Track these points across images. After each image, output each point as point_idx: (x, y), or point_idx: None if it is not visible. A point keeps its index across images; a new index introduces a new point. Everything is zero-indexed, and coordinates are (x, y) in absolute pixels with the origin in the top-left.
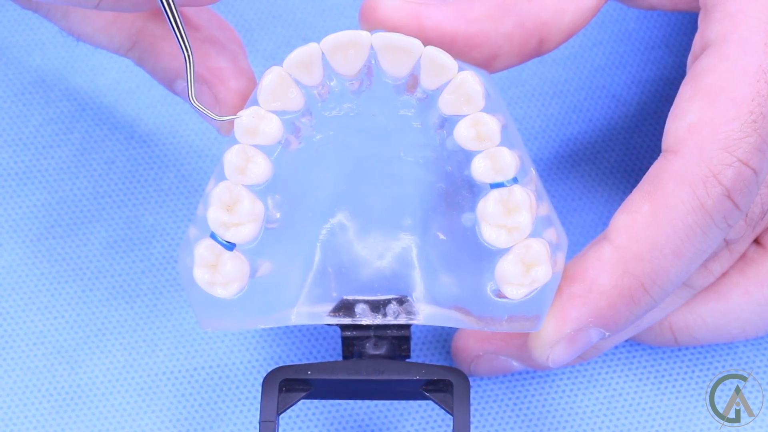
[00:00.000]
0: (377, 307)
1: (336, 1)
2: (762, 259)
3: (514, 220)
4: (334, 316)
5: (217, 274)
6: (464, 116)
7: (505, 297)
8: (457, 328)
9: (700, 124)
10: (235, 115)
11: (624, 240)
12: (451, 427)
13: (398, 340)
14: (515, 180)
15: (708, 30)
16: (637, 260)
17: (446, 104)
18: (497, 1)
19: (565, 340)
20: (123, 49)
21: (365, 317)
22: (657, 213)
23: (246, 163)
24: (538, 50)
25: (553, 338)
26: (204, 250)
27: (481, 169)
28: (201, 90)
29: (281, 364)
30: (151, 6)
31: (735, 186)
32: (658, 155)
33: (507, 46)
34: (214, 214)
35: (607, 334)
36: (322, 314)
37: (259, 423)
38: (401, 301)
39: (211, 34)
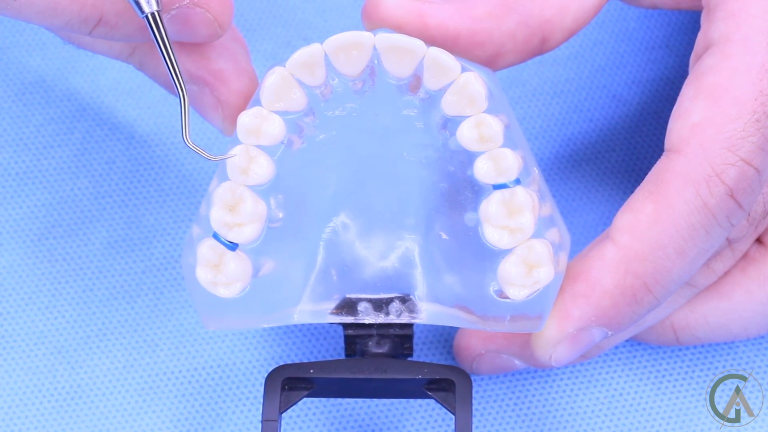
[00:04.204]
0: (380, 305)
1: (337, 1)
2: (764, 258)
3: (517, 221)
4: (337, 314)
5: (220, 274)
6: (467, 117)
7: (508, 297)
8: (459, 327)
9: (703, 124)
10: (235, 119)
11: (627, 239)
12: (453, 426)
13: (401, 338)
14: (518, 181)
15: (711, 29)
16: (640, 260)
17: (449, 105)
18: None
19: (567, 339)
20: (123, 55)
21: (368, 316)
22: (660, 212)
23: (249, 163)
24: (540, 48)
25: (555, 338)
26: (207, 250)
27: (483, 171)
28: (203, 92)
29: (283, 363)
30: (144, 38)
31: (738, 185)
32: (660, 155)
33: (510, 44)
34: (217, 215)
35: (610, 333)
36: (324, 313)
37: (262, 422)
38: (404, 300)
39: None
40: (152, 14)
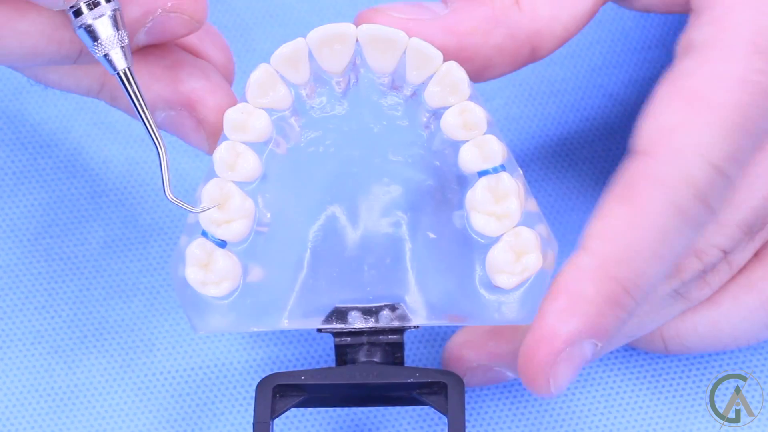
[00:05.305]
0: (369, 313)
1: (333, 1)
2: (754, 266)
3: (503, 207)
4: (327, 322)
5: (210, 272)
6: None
7: (497, 288)
8: (449, 338)
9: (676, 128)
10: (216, 137)
11: (600, 245)
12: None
13: (392, 347)
14: (503, 167)
15: (694, 32)
16: (616, 264)
17: (432, 96)
18: (487, 13)
19: (562, 360)
20: (93, 91)
21: (358, 322)
22: (633, 217)
23: (235, 158)
24: (530, 58)
25: (549, 360)
26: (196, 248)
27: (468, 157)
28: (182, 116)
29: (278, 365)
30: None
31: (708, 190)
32: None
33: (498, 58)
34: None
35: (599, 345)
36: (314, 320)
37: (254, 424)
38: (393, 308)
39: (179, 57)
40: (124, 71)
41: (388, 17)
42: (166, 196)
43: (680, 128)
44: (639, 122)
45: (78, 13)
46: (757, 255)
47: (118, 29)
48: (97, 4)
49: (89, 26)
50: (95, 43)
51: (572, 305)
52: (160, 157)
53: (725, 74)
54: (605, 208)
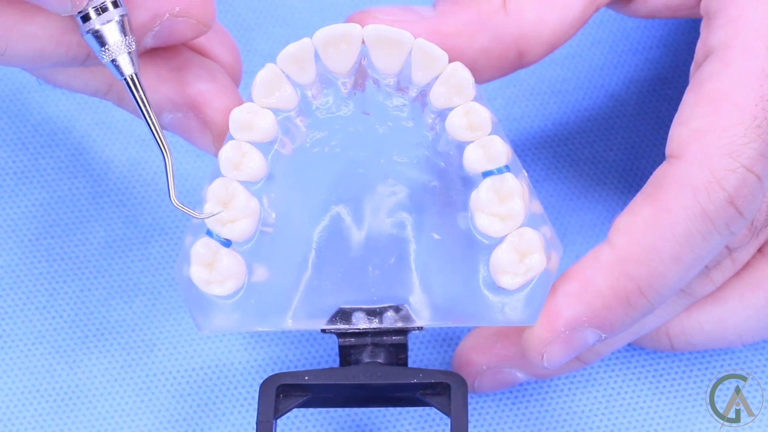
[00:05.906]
0: (374, 314)
1: (335, 1)
2: (759, 263)
3: (508, 207)
4: (331, 323)
5: (214, 271)
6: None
7: (501, 289)
8: (453, 340)
9: (703, 130)
10: (222, 139)
11: (623, 241)
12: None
13: (395, 348)
14: (507, 168)
15: (710, 37)
16: (634, 262)
17: (438, 97)
18: (472, 16)
19: (560, 340)
20: (100, 92)
21: (362, 323)
22: (657, 217)
23: (241, 158)
24: (518, 63)
25: (546, 337)
26: (200, 247)
27: (473, 157)
28: (188, 117)
29: (280, 365)
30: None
31: (738, 192)
32: (657, 154)
33: (484, 60)
34: (210, 210)
35: (604, 336)
36: (318, 320)
37: (257, 424)
38: (398, 309)
39: (186, 58)
40: (131, 77)
41: (375, 19)
42: (171, 201)
43: (707, 129)
44: (670, 131)
45: (86, 18)
46: (762, 252)
47: (125, 34)
48: (105, 10)
49: (97, 31)
50: (102, 49)
51: (581, 292)
52: (165, 163)
53: (746, 73)
54: (634, 204)
